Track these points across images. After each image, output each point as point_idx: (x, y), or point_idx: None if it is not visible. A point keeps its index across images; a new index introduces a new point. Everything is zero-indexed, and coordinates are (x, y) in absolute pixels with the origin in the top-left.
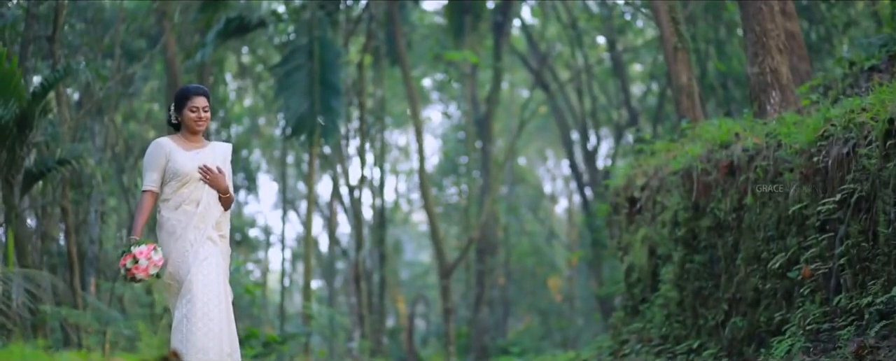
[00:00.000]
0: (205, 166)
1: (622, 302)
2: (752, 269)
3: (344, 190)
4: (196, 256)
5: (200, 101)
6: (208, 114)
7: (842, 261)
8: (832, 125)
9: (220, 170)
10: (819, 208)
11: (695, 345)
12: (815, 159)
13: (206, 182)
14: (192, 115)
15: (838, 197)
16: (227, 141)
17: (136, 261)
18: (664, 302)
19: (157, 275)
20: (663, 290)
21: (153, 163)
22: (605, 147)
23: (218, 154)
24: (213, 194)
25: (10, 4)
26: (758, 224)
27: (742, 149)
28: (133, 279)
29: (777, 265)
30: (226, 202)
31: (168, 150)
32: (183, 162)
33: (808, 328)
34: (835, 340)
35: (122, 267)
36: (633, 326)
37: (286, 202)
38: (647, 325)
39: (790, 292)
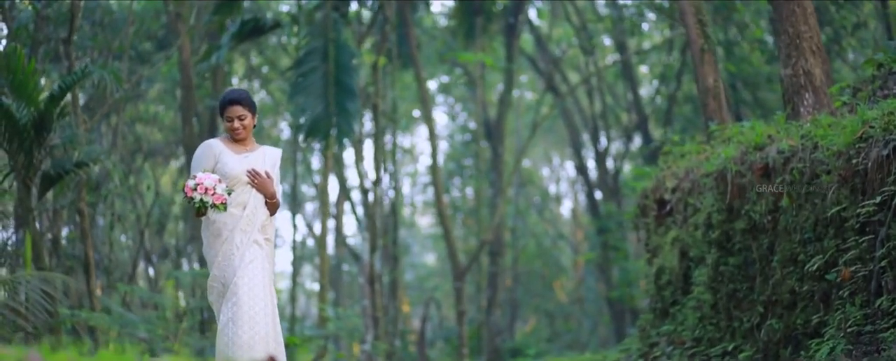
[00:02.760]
0: (253, 170)
1: (651, 305)
2: (789, 271)
3: (355, 192)
4: (242, 259)
5: (235, 111)
6: (247, 121)
7: (883, 264)
8: (871, 127)
9: (267, 175)
10: (858, 210)
11: (730, 348)
12: (853, 161)
13: (253, 186)
14: (228, 125)
15: (878, 199)
16: None
17: (194, 177)
18: (697, 305)
19: (228, 192)
20: (696, 292)
21: (202, 164)
22: (613, 149)
23: (267, 158)
24: (260, 198)
25: (19, 6)
26: (794, 226)
27: (777, 151)
28: (204, 195)
29: (815, 267)
30: (272, 207)
31: (217, 152)
32: (232, 164)
33: (848, 330)
34: (877, 343)
35: (188, 192)
36: (664, 329)
37: (296, 204)
38: (679, 327)
39: (828, 294)
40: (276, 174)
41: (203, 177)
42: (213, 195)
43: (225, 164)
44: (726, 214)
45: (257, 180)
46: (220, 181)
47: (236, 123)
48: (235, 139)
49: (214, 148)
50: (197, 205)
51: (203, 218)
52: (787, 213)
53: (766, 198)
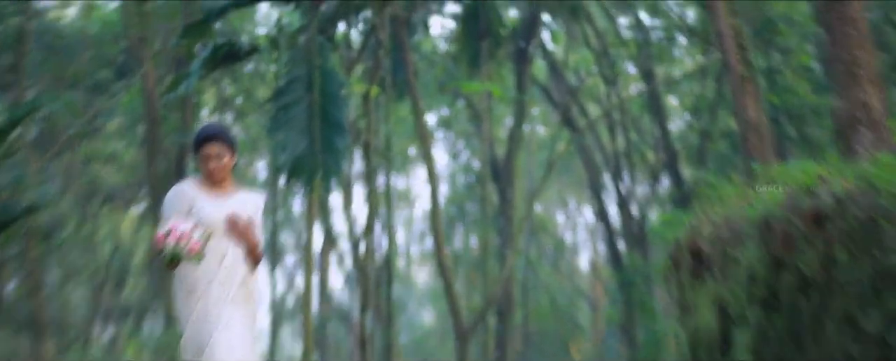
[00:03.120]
0: (233, 217)
1: None
2: (844, 332)
3: (343, 241)
4: (219, 319)
5: (212, 148)
6: (225, 161)
7: None
8: None
9: (249, 222)
10: None
11: None
12: None
13: (233, 235)
14: (203, 165)
15: None
16: None
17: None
18: None
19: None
20: (737, 356)
21: (175, 211)
22: (639, 192)
23: (249, 204)
24: (240, 249)
25: None
26: (850, 280)
27: (830, 195)
28: (178, 242)
29: (873, 327)
30: (254, 259)
31: (192, 197)
32: (208, 210)
33: None
34: None
35: (160, 242)
36: None
37: (275, 256)
38: None
39: (888, 358)
40: (258, 222)
41: (176, 223)
42: (189, 241)
43: (201, 210)
44: (772, 267)
45: (238, 228)
46: (196, 226)
47: (213, 163)
48: (212, 181)
49: (188, 192)
50: (168, 257)
51: (176, 272)
52: (843, 266)
53: (817, 249)
